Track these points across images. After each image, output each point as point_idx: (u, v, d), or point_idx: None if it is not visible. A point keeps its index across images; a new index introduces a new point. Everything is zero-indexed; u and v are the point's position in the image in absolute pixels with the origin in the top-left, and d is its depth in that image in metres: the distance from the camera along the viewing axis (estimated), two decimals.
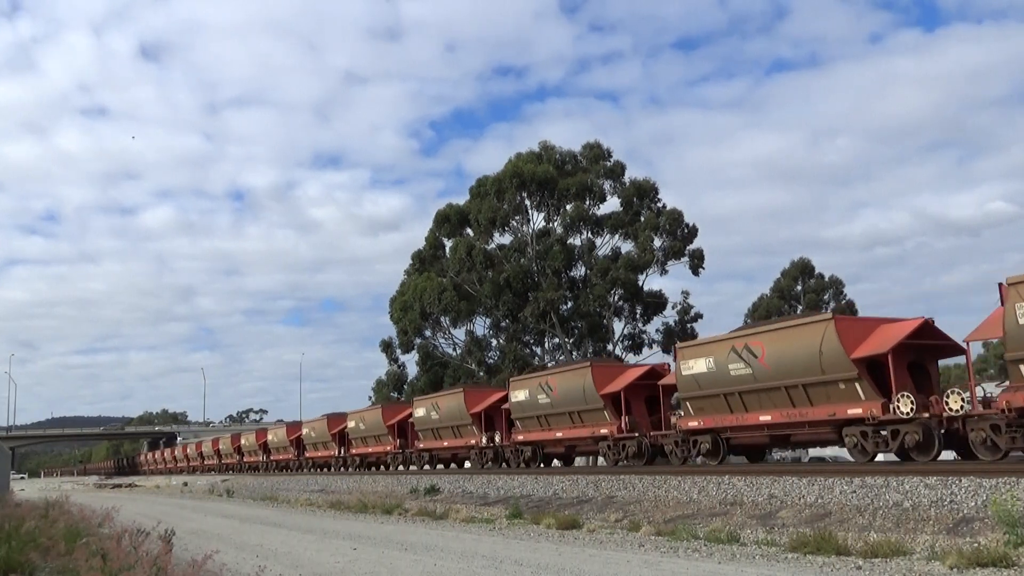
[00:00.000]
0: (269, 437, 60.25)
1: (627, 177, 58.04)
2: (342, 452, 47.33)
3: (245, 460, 65.48)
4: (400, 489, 29.63)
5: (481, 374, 56.13)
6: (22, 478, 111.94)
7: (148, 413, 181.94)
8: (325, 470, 49.25)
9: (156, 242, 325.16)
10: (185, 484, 57.33)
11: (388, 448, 41.58)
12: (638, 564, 11.83)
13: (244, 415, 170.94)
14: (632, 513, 18.14)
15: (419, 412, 37.34)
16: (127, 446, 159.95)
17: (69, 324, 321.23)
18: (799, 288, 68.78)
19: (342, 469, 46.48)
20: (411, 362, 62.23)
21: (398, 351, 62.06)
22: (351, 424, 45.17)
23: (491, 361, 57.92)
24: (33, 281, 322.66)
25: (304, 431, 53.18)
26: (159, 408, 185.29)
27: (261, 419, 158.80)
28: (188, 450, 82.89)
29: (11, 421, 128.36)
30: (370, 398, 65.75)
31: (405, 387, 61.60)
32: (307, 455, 52.58)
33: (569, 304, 56.76)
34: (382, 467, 43.63)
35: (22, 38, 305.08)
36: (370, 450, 43.86)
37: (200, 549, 10.41)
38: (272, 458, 59.16)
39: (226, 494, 42.21)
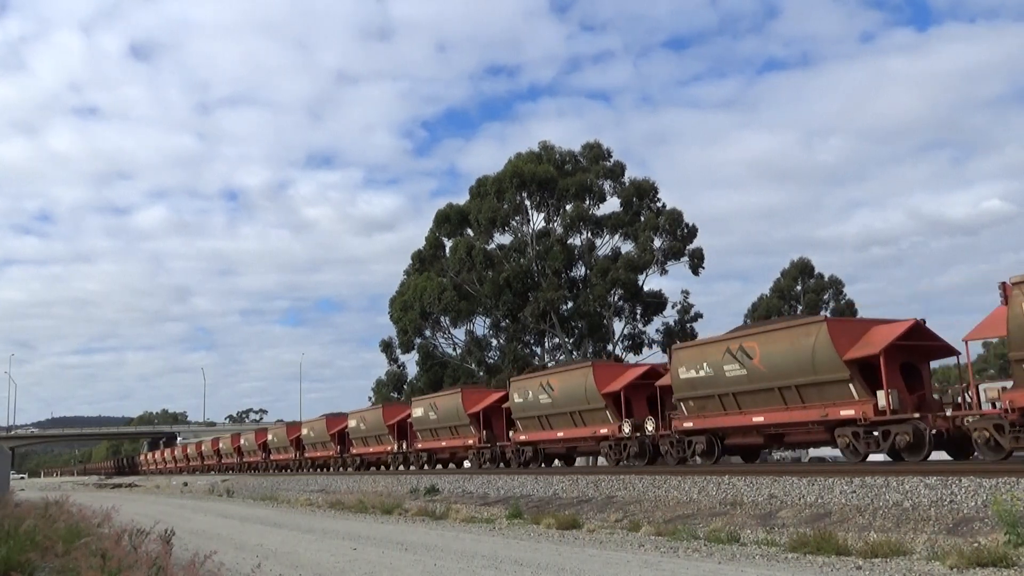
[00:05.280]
0: (304, 431, 55.49)
1: (627, 177, 58.21)
2: (403, 447, 42.32)
3: (272, 458, 61.23)
4: (400, 489, 29.66)
5: (481, 374, 56.16)
6: (22, 478, 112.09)
7: (148, 413, 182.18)
8: (375, 468, 45.03)
9: (151, 242, 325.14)
10: (185, 484, 57.27)
11: (470, 441, 36.13)
12: (638, 564, 11.83)
13: (244, 415, 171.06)
14: (632, 513, 18.14)
15: (518, 398, 32.16)
16: (127, 446, 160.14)
17: (66, 324, 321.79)
18: (799, 288, 68.80)
19: (401, 467, 42.24)
20: (411, 362, 62.36)
21: (398, 351, 62.18)
22: (416, 413, 39.85)
23: (491, 361, 57.98)
24: (29, 281, 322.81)
25: (350, 423, 47.43)
26: (159, 408, 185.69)
27: (261, 419, 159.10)
28: (203, 448, 79.16)
29: (11, 421, 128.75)
30: (370, 398, 65.78)
31: (405, 387, 61.65)
32: (353, 451, 47.48)
33: (569, 304, 56.81)
34: (451, 464, 40.24)
35: (11, 37, 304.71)
36: (443, 444, 38.25)
37: (200, 549, 10.41)
38: (307, 455, 54.70)
39: (226, 494, 42.20)
